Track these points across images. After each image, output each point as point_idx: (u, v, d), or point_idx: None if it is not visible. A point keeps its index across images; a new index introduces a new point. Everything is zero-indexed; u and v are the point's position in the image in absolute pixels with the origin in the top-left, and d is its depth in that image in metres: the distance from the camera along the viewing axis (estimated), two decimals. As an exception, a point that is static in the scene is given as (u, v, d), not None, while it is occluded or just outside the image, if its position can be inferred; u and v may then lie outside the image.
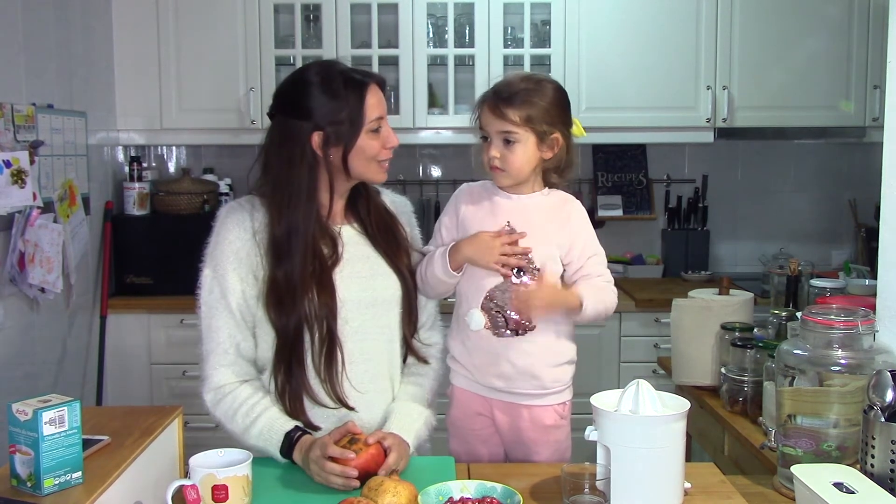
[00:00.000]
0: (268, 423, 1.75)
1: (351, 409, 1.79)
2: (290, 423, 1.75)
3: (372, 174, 1.84)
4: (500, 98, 1.79)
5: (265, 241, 1.78)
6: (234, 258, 1.78)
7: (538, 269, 1.81)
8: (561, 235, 1.85)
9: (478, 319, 1.82)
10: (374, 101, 1.80)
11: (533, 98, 1.79)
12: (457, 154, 3.98)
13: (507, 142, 1.79)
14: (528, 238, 1.82)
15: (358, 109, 1.78)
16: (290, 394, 1.78)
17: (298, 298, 1.75)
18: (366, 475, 1.56)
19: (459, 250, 1.82)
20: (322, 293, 1.77)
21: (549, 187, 1.89)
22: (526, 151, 1.80)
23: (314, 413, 1.79)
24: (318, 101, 1.77)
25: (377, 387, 1.85)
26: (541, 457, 1.88)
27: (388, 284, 1.86)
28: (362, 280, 1.83)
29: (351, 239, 1.86)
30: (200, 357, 1.81)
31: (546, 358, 1.84)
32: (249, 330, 1.81)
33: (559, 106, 1.83)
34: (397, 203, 2.00)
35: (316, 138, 1.77)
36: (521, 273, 1.81)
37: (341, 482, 1.59)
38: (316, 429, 1.78)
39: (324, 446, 1.63)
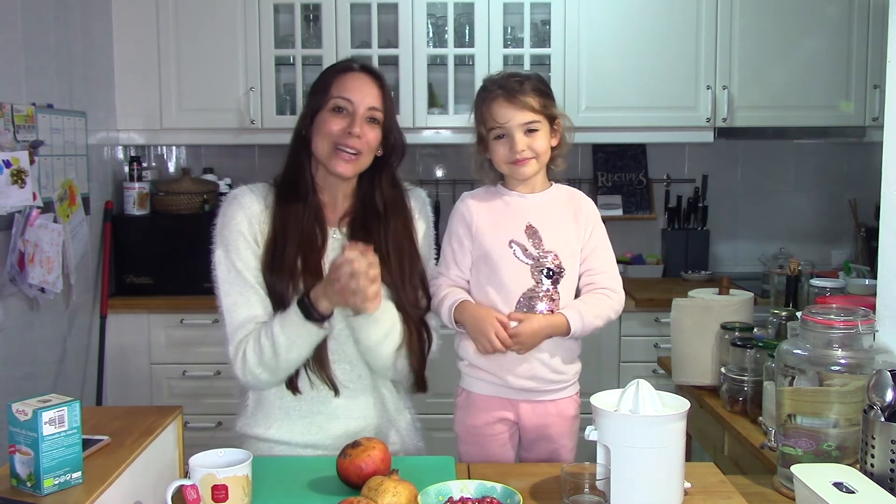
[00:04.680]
0: (282, 313, 1.75)
1: (337, 392, 1.82)
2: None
3: (327, 158, 1.80)
4: (513, 90, 1.81)
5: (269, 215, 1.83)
6: (242, 238, 1.80)
7: (564, 270, 1.84)
8: (578, 230, 1.88)
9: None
10: (347, 82, 1.82)
11: (539, 86, 1.84)
12: (457, 154, 3.97)
13: (530, 131, 1.82)
14: (552, 235, 1.84)
15: (325, 83, 1.83)
16: None
17: (287, 266, 1.78)
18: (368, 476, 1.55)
19: (463, 313, 1.82)
20: (307, 272, 1.78)
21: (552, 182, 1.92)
22: (546, 139, 1.84)
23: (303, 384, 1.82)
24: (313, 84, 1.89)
25: (362, 385, 1.87)
26: (566, 449, 1.90)
27: (385, 316, 1.80)
28: None
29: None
30: (224, 338, 1.82)
31: (565, 353, 1.88)
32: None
33: (552, 92, 1.89)
34: (416, 198, 1.95)
35: (304, 116, 1.86)
36: (552, 273, 1.83)
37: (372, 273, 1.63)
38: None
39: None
